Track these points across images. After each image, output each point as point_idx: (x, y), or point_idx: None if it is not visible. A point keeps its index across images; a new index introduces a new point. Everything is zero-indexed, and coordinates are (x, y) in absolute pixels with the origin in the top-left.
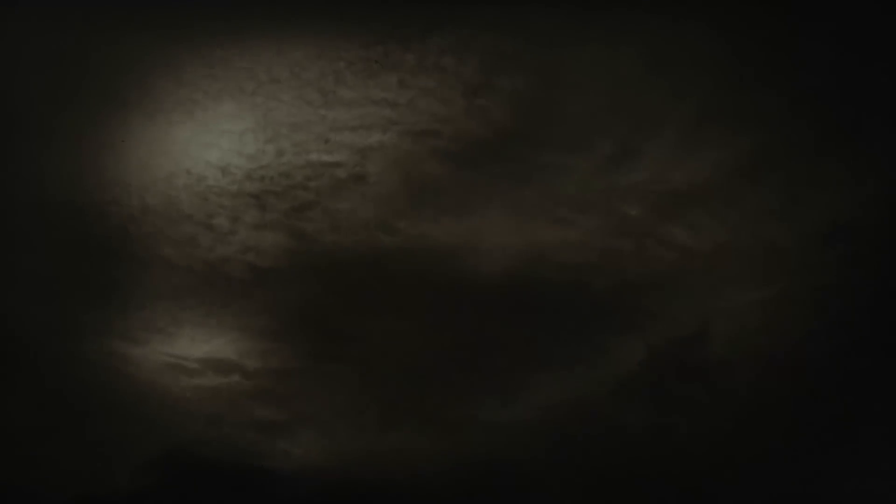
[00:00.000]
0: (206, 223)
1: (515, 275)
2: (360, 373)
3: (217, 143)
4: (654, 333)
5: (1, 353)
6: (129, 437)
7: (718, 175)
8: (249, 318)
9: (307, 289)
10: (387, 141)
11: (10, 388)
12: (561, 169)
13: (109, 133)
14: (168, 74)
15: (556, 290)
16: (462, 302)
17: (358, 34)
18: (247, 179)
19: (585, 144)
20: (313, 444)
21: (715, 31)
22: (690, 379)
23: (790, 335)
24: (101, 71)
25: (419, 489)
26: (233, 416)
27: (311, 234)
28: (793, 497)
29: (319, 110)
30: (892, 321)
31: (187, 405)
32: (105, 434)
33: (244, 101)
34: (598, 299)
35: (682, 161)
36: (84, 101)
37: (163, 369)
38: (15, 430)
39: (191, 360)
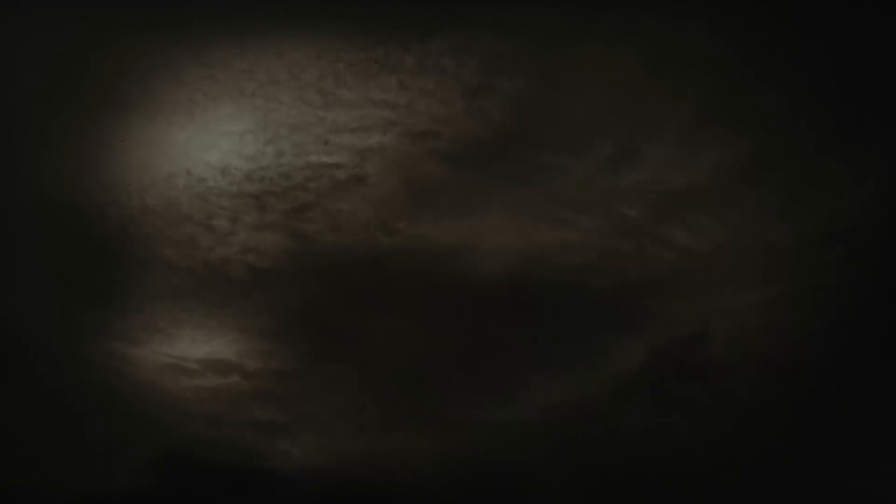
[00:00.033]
0: (205, 224)
1: (515, 275)
2: (359, 373)
3: (217, 144)
4: (654, 334)
5: (1, 354)
6: (129, 438)
7: (718, 175)
8: (249, 318)
9: (307, 289)
10: (386, 142)
11: (10, 389)
12: (561, 170)
13: (109, 134)
14: (168, 76)
15: (556, 291)
16: (462, 302)
17: (357, 36)
18: (246, 180)
19: (585, 145)
20: (313, 445)
21: (715, 31)
22: (690, 379)
23: (790, 335)
24: (101, 72)
25: (419, 489)
26: (233, 416)
27: (310, 235)
28: (793, 497)
29: (319, 112)
30: (892, 321)
31: (187, 406)
32: (105, 434)
33: (244, 102)
34: (597, 300)
35: (682, 161)
36: (84, 102)
37: (163, 370)
38: (15, 430)
39: (191, 360)
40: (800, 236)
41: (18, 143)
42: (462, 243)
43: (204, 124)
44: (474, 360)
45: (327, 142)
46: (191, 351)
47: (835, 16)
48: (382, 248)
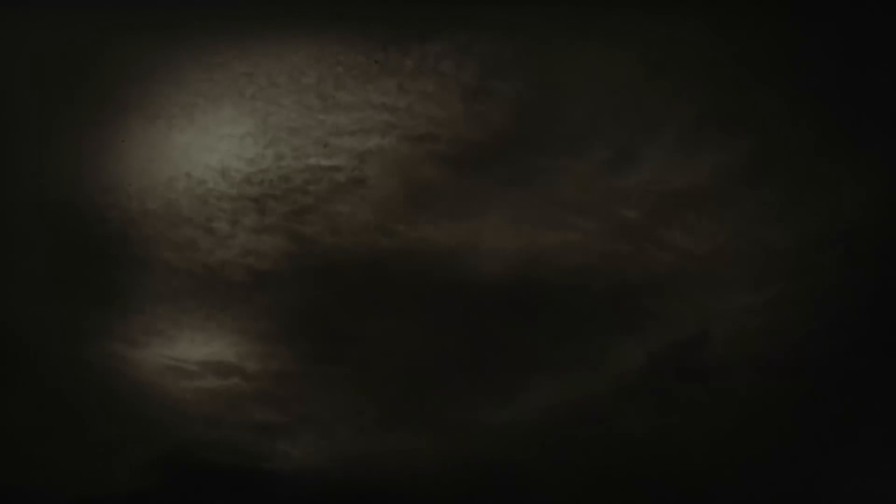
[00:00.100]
0: (205, 226)
1: (515, 277)
2: (359, 375)
3: (217, 146)
4: (654, 334)
5: (1, 355)
6: (129, 439)
7: (718, 177)
8: (249, 320)
9: (307, 292)
10: (386, 145)
11: (11, 390)
12: (560, 172)
13: (109, 136)
14: (168, 78)
15: (556, 292)
16: (461, 304)
17: (357, 39)
18: (246, 183)
19: (585, 147)
20: (313, 446)
21: (714, 32)
22: (690, 380)
23: (790, 336)
24: (101, 74)
25: (419, 490)
26: (232, 417)
27: (310, 238)
28: (793, 497)
29: (319, 115)
30: (892, 321)
31: (187, 407)
32: (105, 435)
33: (244, 105)
34: (597, 301)
35: (682, 163)
36: (84, 104)
37: (163, 372)
38: (15, 430)
39: (190, 362)
40: (800, 237)
41: (18, 144)
42: (461, 245)
43: (204, 127)
44: (474, 361)
45: (327, 144)
46: (191, 353)
47: (835, 16)
48: (382, 249)
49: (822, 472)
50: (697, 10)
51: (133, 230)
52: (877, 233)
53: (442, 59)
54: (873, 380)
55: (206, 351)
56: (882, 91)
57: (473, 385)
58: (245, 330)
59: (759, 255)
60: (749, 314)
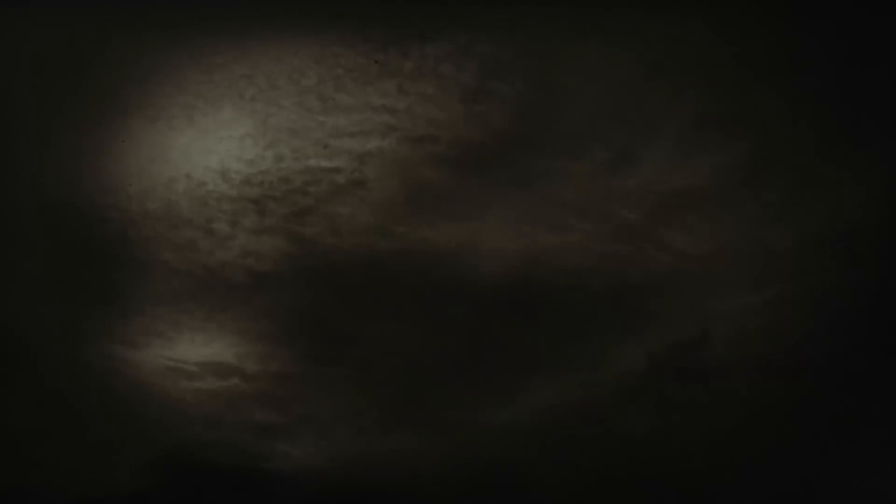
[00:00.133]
0: (205, 228)
1: (515, 278)
2: (359, 375)
3: (217, 148)
4: (654, 335)
5: (1, 355)
6: (130, 439)
7: (718, 178)
8: (249, 321)
9: (306, 293)
10: (386, 146)
11: (11, 390)
12: (560, 173)
13: (109, 137)
14: (168, 80)
15: (556, 293)
16: (461, 305)
17: (357, 40)
18: (246, 184)
19: (584, 148)
20: (313, 446)
21: (713, 33)
22: (690, 380)
23: (790, 336)
24: (102, 75)
25: (419, 490)
26: (232, 418)
27: (310, 239)
28: (793, 497)
29: (318, 116)
30: (891, 322)
31: (187, 408)
32: (105, 436)
33: (244, 106)
34: (597, 302)
35: (682, 164)
36: (84, 105)
37: (163, 372)
38: (15, 431)
39: (190, 363)
40: (799, 237)
41: (19, 145)
42: (461, 246)
43: (204, 128)
44: (474, 361)
45: (327, 146)
46: (191, 354)
47: (835, 16)
48: (381, 251)
49: (822, 472)
50: (697, 11)
51: (133, 231)
52: (877, 233)
53: (442, 60)
54: (873, 380)
55: (205, 352)
56: (882, 91)
57: (473, 385)
58: (245, 331)
59: (758, 255)
60: (749, 314)
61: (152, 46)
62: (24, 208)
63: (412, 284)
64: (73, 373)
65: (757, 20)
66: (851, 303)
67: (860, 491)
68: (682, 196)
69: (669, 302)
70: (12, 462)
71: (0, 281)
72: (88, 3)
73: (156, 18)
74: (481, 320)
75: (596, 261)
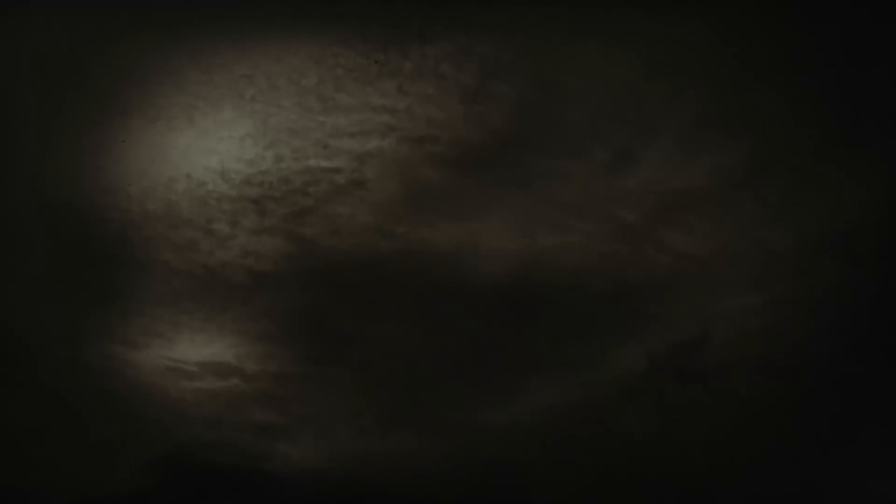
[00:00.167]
0: (205, 228)
1: (514, 278)
2: (359, 375)
3: (217, 148)
4: (654, 336)
5: (2, 356)
6: (130, 440)
7: (717, 178)
8: (249, 322)
9: (306, 293)
10: (385, 147)
11: (12, 391)
12: (559, 173)
13: (109, 137)
14: (168, 80)
15: (556, 294)
16: (461, 305)
17: (357, 40)
18: (246, 185)
19: (584, 149)
20: (313, 447)
21: (713, 33)
22: (690, 381)
23: (790, 337)
24: (101, 76)
25: (419, 490)
26: (232, 418)
27: (310, 239)
28: (793, 497)
29: (318, 116)
30: (891, 322)
31: (187, 408)
32: (105, 436)
33: (243, 107)
34: (597, 302)
35: (681, 164)
36: (84, 105)
37: (163, 373)
38: (16, 431)
39: (190, 363)
40: (799, 238)
41: (19, 145)
42: (461, 246)
43: (204, 129)
44: (474, 362)
45: (326, 146)
46: (190, 354)
47: (835, 16)
48: (381, 251)
49: (822, 472)
50: (696, 13)
51: (133, 231)
52: (877, 233)
53: (442, 60)
54: (873, 380)
55: (205, 352)
56: (882, 92)
57: (473, 385)
58: (245, 331)
59: (758, 255)
60: (749, 314)
61: (152, 47)
62: (24, 209)
63: (412, 285)
64: (73, 373)
65: (757, 20)
66: (851, 303)
67: (860, 491)
68: (682, 196)
69: (669, 302)
70: (12, 462)
71: (0, 281)
72: (88, 3)
73: (156, 19)
74: (481, 320)
75: (596, 261)
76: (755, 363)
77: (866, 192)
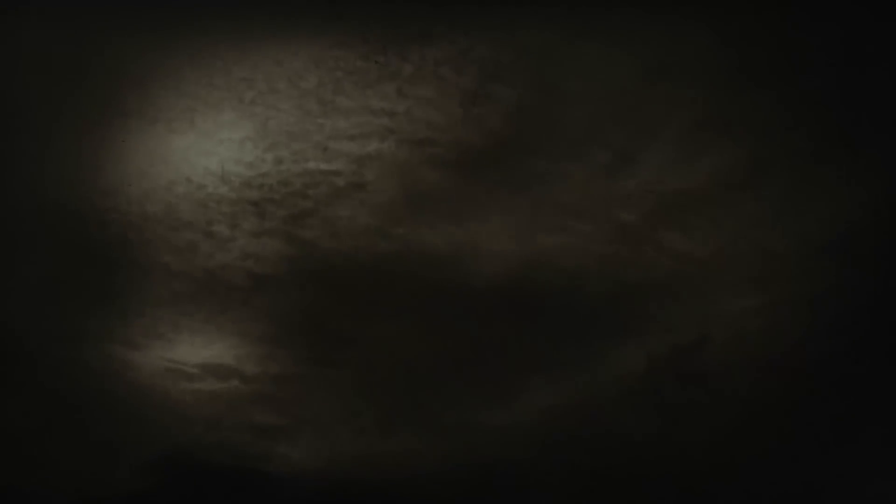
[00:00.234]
0: (205, 230)
1: (514, 280)
2: (359, 377)
3: (216, 151)
4: (654, 337)
5: (2, 357)
6: (129, 440)
7: (717, 180)
8: (248, 323)
9: (306, 295)
10: (385, 149)
11: (12, 391)
12: (559, 176)
13: (109, 140)
14: (168, 84)
15: (555, 295)
16: (460, 307)
17: (356, 41)
18: (246, 187)
19: (583, 151)
20: (313, 448)
21: (713, 35)
22: (690, 381)
23: (790, 338)
24: (102, 78)
25: (419, 491)
26: (232, 419)
27: (309, 241)
28: (793, 497)
29: (318, 119)
30: (892, 322)
31: (187, 409)
32: (105, 437)
33: (243, 110)
34: (597, 304)
35: (681, 166)
36: (83, 107)
37: (162, 374)
38: (16, 432)
39: (190, 365)
40: (799, 239)
41: (18, 147)
42: (460, 248)
43: (204, 131)
44: (473, 363)
45: (326, 149)
46: (190, 355)
47: (835, 18)
48: (381, 253)
49: (822, 472)
50: (696, 14)
51: (133, 233)
52: (877, 233)
53: (441, 63)
54: (873, 380)
55: (205, 353)
56: (882, 92)
57: (473, 386)
58: (244, 333)
59: (758, 256)
60: (749, 315)
61: (152, 48)
62: (24, 210)
63: (412, 286)
64: (73, 374)
65: (757, 21)
66: (851, 303)
67: (860, 491)
68: (681, 197)
69: (669, 303)
70: (12, 462)
71: (0, 282)
72: (88, 4)
73: (155, 20)
74: (481, 321)
75: (595, 262)
76: (755, 363)
77: (866, 192)
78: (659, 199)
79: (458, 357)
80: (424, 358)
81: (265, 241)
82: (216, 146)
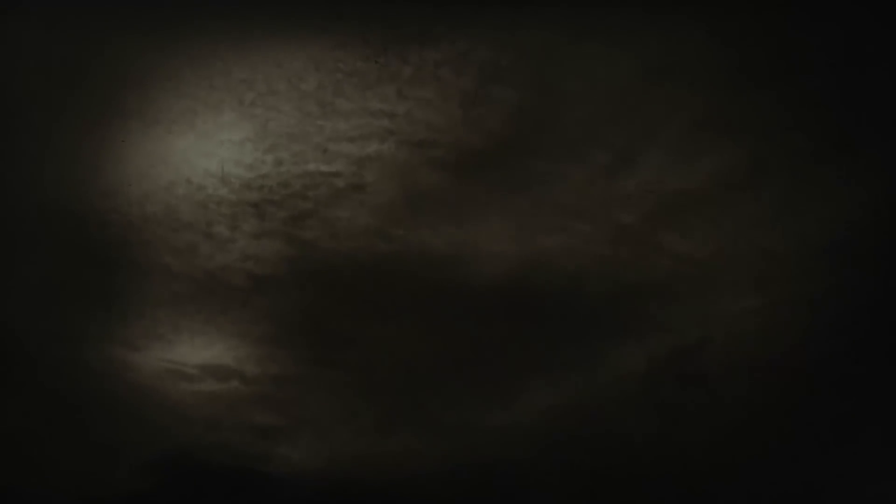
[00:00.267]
0: (205, 231)
1: (513, 281)
2: (359, 378)
3: (216, 152)
4: (654, 338)
5: (2, 358)
6: (129, 441)
7: (717, 180)
8: (248, 324)
9: (306, 296)
10: (384, 151)
11: (11, 392)
12: (558, 177)
13: (110, 142)
14: (168, 85)
15: (555, 297)
16: (460, 307)
17: (356, 42)
18: (246, 188)
19: (583, 152)
20: (312, 448)
21: (713, 36)
22: (690, 382)
23: (790, 338)
24: (102, 79)
25: (419, 491)
26: (232, 420)
27: (309, 242)
28: (793, 497)
29: (318, 121)
30: (892, 323)
31: (187, 410)
32: (105, 438)
33: (243, 111)
34: (596, 305)
35: (681, 167)
36: (83, 108)
37: (162, 375)
38: (16, 433)
39: (190, 366)
40: (799, 240)
41: (18, 148)
42: (460, 249)
43: (204, 133)
44: (473, 363)
45: (326, 150)
46: (190, 356)
47: (835, 18)
48: (381, 254)
49: (822, 472)
50: (697, 13)
51: (133, 234)
52: (877, 234)
53: (441, 65)
54: (873, 380)
55: (205, 354)
56: (883, 93)
57: (473, 387)
58: (244, 334)
59: (758, 257)
60: (749, 316)
61: (152, 49)
62: (24, 210)
63: (411, 287)
64: (73, 375)
65: (756, 21)
66: (851, 303)
67: (860, 491)
68: (681, 198)
69: (669, 304)
70: (12, 462)
71: (0, 282)
72: (87, 5)
73: (155, 21)
74: (481, 322)
75: (595, 263)
76: (755, 364)
77: (866, 192)
78: (659, 200)
79: (458, 357)
80: (424, 358)
81: (265, 243)
82: (216, 147)
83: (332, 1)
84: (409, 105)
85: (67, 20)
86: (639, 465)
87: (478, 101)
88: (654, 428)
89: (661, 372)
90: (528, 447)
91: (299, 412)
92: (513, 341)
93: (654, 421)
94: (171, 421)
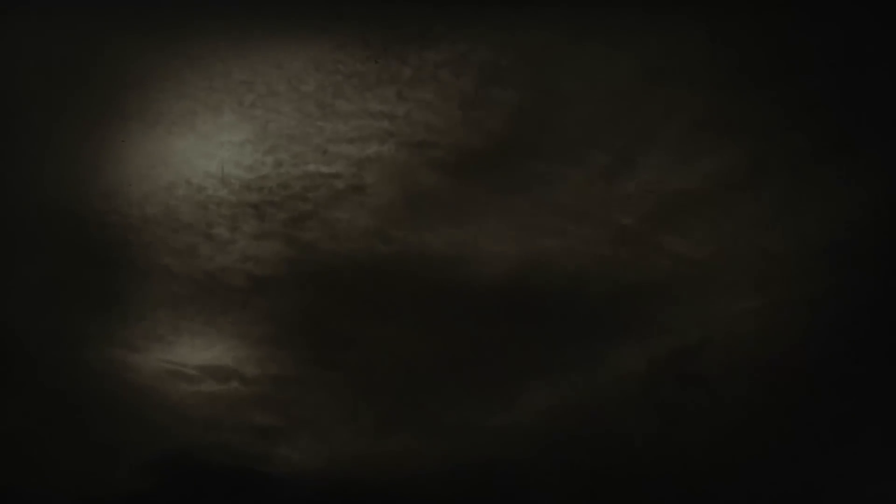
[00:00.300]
0: (205, 233)
1: (513, 282)
2: (358, 379)
3: (216, 153)
4: (653, 339)
5: (2, 359)
6: (130, 442)
7: (717, 181)
8: (248, 325)
9: (305, 297)
10: (384, 152)
11: (12, 393)
12: (558, 178)
13: (110, 142)
14: (168, 86)
15: (554, 298)
16: (460, 308)
17: (356, 43)
18: (246, 190)
19: (582, 154)
20: (312, 449)
21: (712, 37)
22: (690, 383)
23: (790, 338)
24: (102, 79)
25: (419, 491)
26: (232, 421)
27: (309, 244)
28: (793, 497)
29: (317, 122)
30: (892, 323)
31: (187, 411)
32: (105, 438)
33: (243, 112)
34: (596, 306)
35: (680, 168)
36: (83, 109)
37: (162, 376)
38: (16, 433)
39: (190, 366)
40: (799, 240)
41: (18, 149)
42: (459, 251)
43: (204, 134)
44: (473, 364)
45: (326, 152)
46: (190, 357)
47: (835, 18)
48: (380, 255)
49: (822, 472)
50: (696, 16)
51: (133, 236)
52: (877, 234)
53: (441, 67)
54: (873, 380)
55: (205, 355)
56: (882, 93)
57: (473, 387)
58: (244, 334)
59: (758, 257)
60: (749, 316)
61: (152, 50)
62: (24, 211)
63: (411, 288)
64: (73, 375)
65: (756, 22)
66: (851, 304)
67: (860, 491)
68: (681, 199)
69: (669, 304)
70: (12, 462)
71: (0, 283)
72: (87, 5)
73: (155, 21)
74: (481, 323)
75: (595, 265)
76: (755, 364)
77: (866, 192)
78: (658, 201)
79: (458, 357)
80: (424, 358)
81: (265, 244)
82: (216, 149)
83: (332, 1)
84: (408, 106)
85: (67, 20)
86: (639, 465)
87: (477, 102)
88: (654, 428)
89: (661, 372)
90: (528, 447)
91: (299, 413)
92: (513, 342)
93: (654, 421)
94: (171, 421)
